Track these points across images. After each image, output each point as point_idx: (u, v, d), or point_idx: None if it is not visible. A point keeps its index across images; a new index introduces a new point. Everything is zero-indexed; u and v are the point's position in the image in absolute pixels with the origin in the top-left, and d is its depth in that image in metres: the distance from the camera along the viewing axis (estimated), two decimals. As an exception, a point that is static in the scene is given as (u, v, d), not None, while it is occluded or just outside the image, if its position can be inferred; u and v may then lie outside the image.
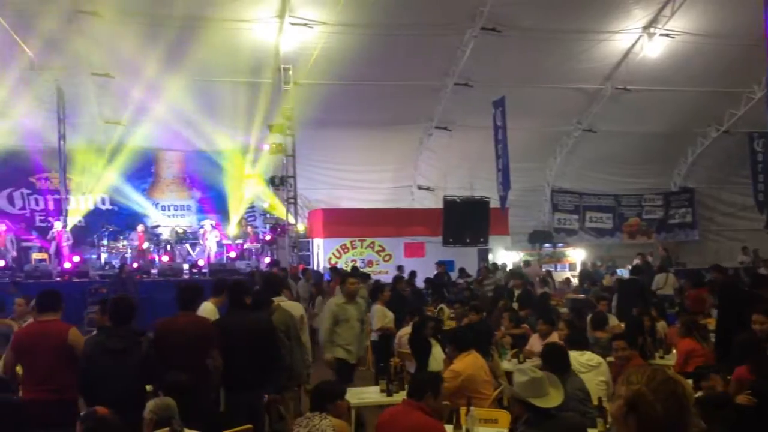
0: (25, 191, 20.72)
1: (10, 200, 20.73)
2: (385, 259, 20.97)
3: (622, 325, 9.83)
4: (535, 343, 8.63)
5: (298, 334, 6.62)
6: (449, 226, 19.89)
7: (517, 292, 13.37)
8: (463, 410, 5.48)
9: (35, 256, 18.86)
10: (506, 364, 8.29)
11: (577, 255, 22.97)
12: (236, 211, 21.89)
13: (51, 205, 20.69)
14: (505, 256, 22.28)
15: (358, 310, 8.15)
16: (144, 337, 5.38)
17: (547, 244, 23.35)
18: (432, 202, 22.65)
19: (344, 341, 7.82)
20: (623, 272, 19.65)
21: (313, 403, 4.72)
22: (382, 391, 6.76)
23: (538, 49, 18.56)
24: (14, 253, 18.76)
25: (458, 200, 20.28)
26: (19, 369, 5.72)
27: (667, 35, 19.03)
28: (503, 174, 19.66)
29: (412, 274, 16.66)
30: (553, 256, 22.99)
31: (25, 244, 19.54)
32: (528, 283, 15.75)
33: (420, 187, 23.40)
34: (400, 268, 18.16)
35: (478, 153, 21.23)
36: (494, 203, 20.40)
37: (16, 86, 17.66)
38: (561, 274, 21.22)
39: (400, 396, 5.98)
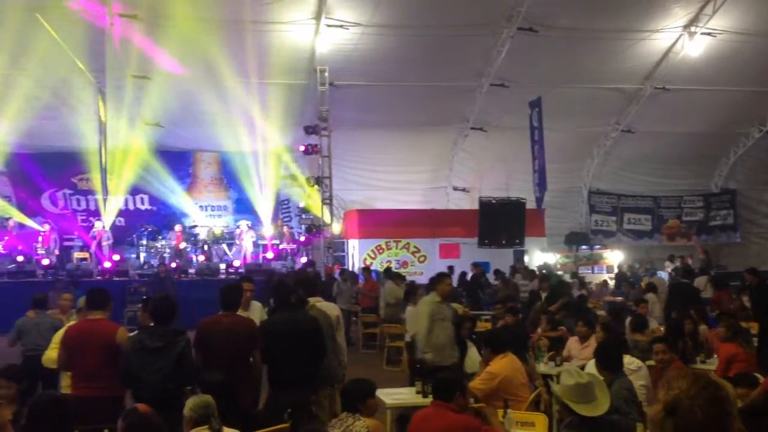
0: (67, 191, 21.15)
1: (53, 200, 21.19)
2: (420, 260, 20.92)
3: (662, 328, 9.66)
4: (573, 347, 8.53)
5: (333, 334, 6.62)
6: (485, 228, 19.76)
7: (544, 295, 13.22)
8: (500, 412, 5.44)
9: (76, 255, 19.24)
10: (542, 367, 8.21)
11: (614, 257, 22.65)
12: (272, 211, 22.06)
13: (92, 205, 21.08)
14: (541, 257, 22.07)
15: (451, 311, 8.07)
16: (181, 336, 5.43)
17: (583, 246, 23.06)
18: (467, 203, 22.56)
19: (438, 342, 7.65)
20: (663, 275, 19.34)
21: (344, 404, 4.73)
22: (417, 392, 6.74)
23: (576, 48, 18.37)
24: (57, 252, 19.15)
25: (494, 201, 20.16)
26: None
27: (708, 34, 18.69)
28: (540, 175, 19.49)
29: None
30: (590, 258, 22.70)
31: (66, 243, 19.94)
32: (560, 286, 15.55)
33: (455, 188, 23.31)
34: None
35: (514, 154, 21.08)
36: (530, 204, 20.23)
37: (59, 88, 18.06)
38: (598, 277, 20.94)
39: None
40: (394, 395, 6.84)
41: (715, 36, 18.71)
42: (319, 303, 6.79)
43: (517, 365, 6.59)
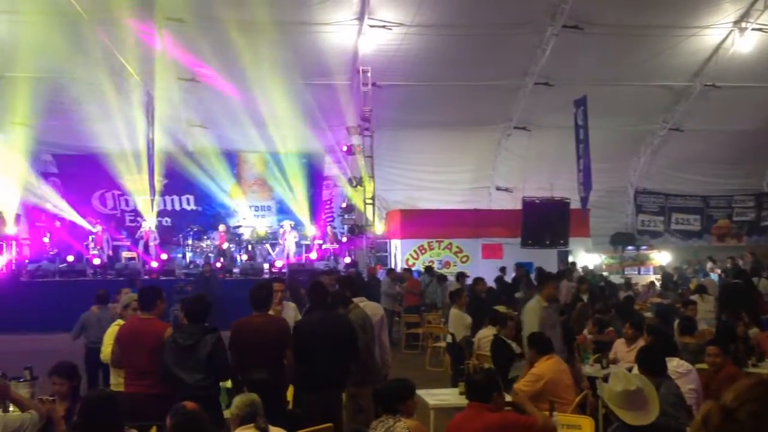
0: (116, 192, 21.60)
1: (102, 201, 21.70)
2: (462, 261, 20.81)
3: (713, 330, 9.43)
4: (620, 349, 8.38)
5: (374, 334, 6.60)
6: (528, 228, 19.57)
7: (584, 297, 13.01)
8: (545, 415, 5.37)
9: (125, 254, 19.63)
10: (588, 369, 8.09)
11: (662, 258, 22.22)
12: (316, 211, 22.21)
13: (140, 206, 21.51)
14: (586, 258, 21.77)
15: (557, 314, 7.94)
16: (211, 334, 5.49)
17: (629, 247, 22.70)
18: (510, 203, 22.37)
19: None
20: (713, 276, 18.90)
21: (383, 405, 4.70)
22: (461, 393, 6.70)
23: (622, 45, 18.09)
24: (110, 253, 19.57)
25: (537, 201, 19.95)
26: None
27: (759, 29, 18.23)
28: (585, 174, 19.23)
29: (502, 271, 16.31)
30: (636, 259, 22.33)
31: (115, 243, 20.37)
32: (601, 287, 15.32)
33: (498, 188, 23.15)
34: (503, 269, 17.52)
35: (558, 153, 20.86)
36: (575, 204, 19.97)
37: (108, 91, 18.46)
38: (645, 278, 20.57)
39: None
40: (438, 396, 6.82)
41: (766, 32, 18.22)
42: (362, 303, 6.80)
43: (562, 367, 6.50)
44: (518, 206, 20.42)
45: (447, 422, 6.83)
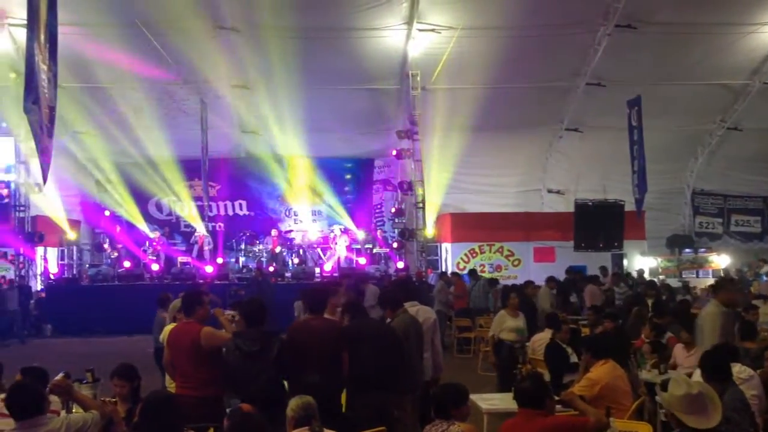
0: (172, 198, 22.09)
1: (158, 207, 22.23)
2: (514, 264, 20.64)
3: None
4: (679, 354, 8.18)
5: (422, 339, 6.54)
6: (581, 231, 19.35)
7: (650, 302, 12.72)
8: (597, 411, 5.27)
9: (180, 259, 20.06)
10: (645, 374, 7.92)
11: (721, 261, 21.63)
12: (366, 216, 22.33)
13: (194, 211, 21.95)
14: (641, 261, 21.34)
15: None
16: (275, 339, 5.54)
17: (687, 249, 22.17)
18: (562, 205, 22.10)
19: None
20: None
21: (435, 409, 4.68)
22: (514, 398, 6.63)
23: (677, 44, 17.67)
24: (165, 258, 20.03)
25: (590, 203, 19.72)
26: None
27: (821, 25, 17.58)
28: (639, 176, 18.87)
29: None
30: (694, 262, 21.82)
31: (171, 248, 20.83)
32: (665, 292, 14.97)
33: (550, 191, 22.88)
34: (569, 271, 17.30)
35: (612, 155, 20.52)
36: (629, 206, 19.60)
37: (163, 99, 18.92)
38: (703, 281, 20.04)
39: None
40: (490, 400, 6.77)
41: (828, 27, 17.58)
42: (414, 307, 6.78)
43: (618, 372, 6.38)
44: (570, 209, 20.22)
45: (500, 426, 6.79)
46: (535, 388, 4.72)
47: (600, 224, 19.25)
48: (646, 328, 9.62)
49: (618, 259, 20.57)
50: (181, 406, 5.11)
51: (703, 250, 22.38)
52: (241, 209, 22.74)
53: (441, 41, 17.46)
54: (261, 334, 5.52)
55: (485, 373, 11.55)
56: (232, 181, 22.14)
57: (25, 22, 12.73)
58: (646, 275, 19.51)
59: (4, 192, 18.69)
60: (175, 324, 7.06)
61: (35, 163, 18.27)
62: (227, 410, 4.95)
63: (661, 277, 20.52)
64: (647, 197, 19.36)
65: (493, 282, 15.90)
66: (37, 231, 18.98)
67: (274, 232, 20.75)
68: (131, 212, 21.82)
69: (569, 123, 20.75)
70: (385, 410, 5.69)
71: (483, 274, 17.83)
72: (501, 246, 20.89)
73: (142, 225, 21.45)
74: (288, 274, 19.06)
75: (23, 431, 4.17)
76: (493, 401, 6.75)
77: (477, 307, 14.90)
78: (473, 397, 6.04)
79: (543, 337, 8.71)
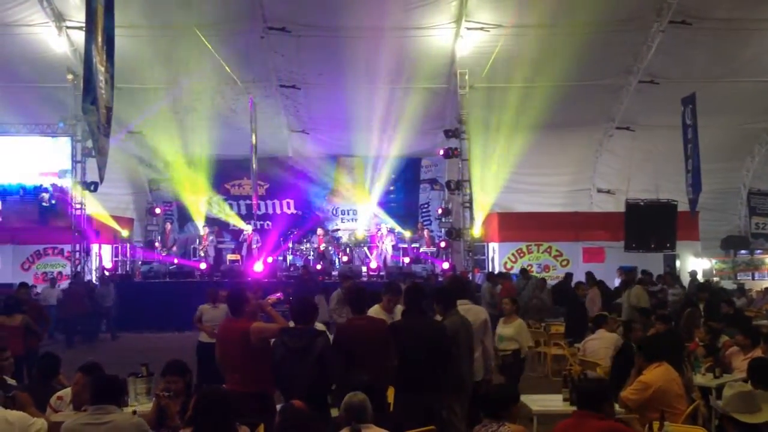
0: (222, 197, 22.44)
1: (208, 206, 22.57)
2: (562, 264, 20.36)
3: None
4: (735, 358, 7.97)
5: (470, 339, 6.47)
6: (632, 231, 19.04)
7: (701, 305, 12.40)
8: (655, 425, 5.18)
9: (229, 257, 20.36)
10: (699, 378, 7.74)
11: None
12: (412, 215, 22.32)
13: (243, 210, 22.25)
14: (695, 263, 20.85)
15: None
16: (321, 337, 5.57)
17: (742, 251, 21.57)
18: (612, 205, 21.73)
19: None
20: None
21: (486, 410, 4.64)
22: (565, 399, 6.56)
23: (733, 40, 17.21)
24: (213, 255, 20.36)
25: (642, 203, 19.38)
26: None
27: None
28: (693, 175, 18.46)
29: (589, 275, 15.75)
30: (750, 264, 21.23)
31: (220, 246, 21.16)
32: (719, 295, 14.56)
33: (599, 190, 22.52)
34: (627, 271, 17.00)
35: (664, 154, 20.13)
36: (682, 207, 19.18)
37: (214, 99, 19.22)
38: (759, 284, 19.50)
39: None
40: (540, 401, 6.70)
41: None
42: (466, 306, 6.74)
43: (672, 375, 6.24)
44: (620, 209, 19.91)
45: (550, 428, 6.72)
46: (597, 389, 4.67)
47: (652, 224, 18.92)
48: (700, 330, 9.41)
49: (670, 261, 20.14)
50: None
51: (759, 251, 21.75)
52: (288, 208, 22.98)
53: (489, 39, 17.35)
54: (307, 331, 5.57)
55: (533, 374, 11.45)
56: (280, 180, 22.38)
57: (83, 25, 13.16)
58: (700, 277, 19.06)
59: (45, 196, 19.13)
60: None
61: (90, 162, 18.83)
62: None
63: (715, 279, 20.03)
64: (701, 197, 18.94)
65: (542, 282, 15.72)
66: (93, 228, 19.48)
67: (320, 231, 20.91)
68: (181, 210, 22.26)
69: (621, 121, 20.39)
70: (433, 410, 5.67)
71: (532, 275, 17.62)
72: (549, 246, 20.65)
73: (192, 223, 21.84)
74: (334, 273, 19.18)
75: (93, 415, 4.35)
76: (542, 402, 6.68)
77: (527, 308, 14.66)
78: (522, 398, 5.99)
79: (593, 338, 8.60)
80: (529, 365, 12.08)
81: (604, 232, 20.35)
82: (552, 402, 6.74)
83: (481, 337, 6.60)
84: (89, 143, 18.43)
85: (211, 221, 22.08)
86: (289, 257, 20.58)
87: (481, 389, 6.24)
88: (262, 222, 22.27)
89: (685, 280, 17.84)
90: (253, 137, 19.61)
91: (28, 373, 6.86)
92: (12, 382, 6.38)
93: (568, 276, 16.43)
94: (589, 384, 4.80)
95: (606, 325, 8.86)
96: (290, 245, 20.69)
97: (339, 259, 20.38)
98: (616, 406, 5.77)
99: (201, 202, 22.22)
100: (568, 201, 22.47)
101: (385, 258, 20.31)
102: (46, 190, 19.25)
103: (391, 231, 21.05)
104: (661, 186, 20.42)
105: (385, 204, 22.34)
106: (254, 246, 20.48)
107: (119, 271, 20.47)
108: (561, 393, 6.72)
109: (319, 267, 19.07)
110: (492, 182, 21.73)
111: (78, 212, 19.03)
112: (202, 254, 20.19)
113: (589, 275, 14.89)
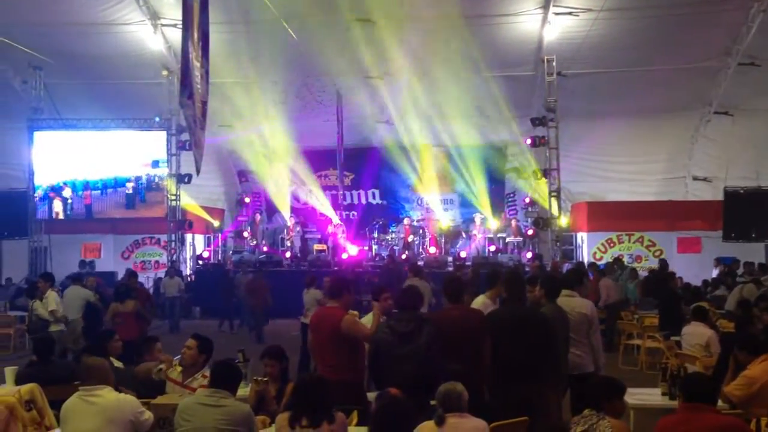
0: (308, 187, 22.82)
1: (295, 195, 23.03)
2: (655, 255, 19.69)
3: None
4: None
5: (566, 331, 6.35)
6: (731, 220, 18.31)
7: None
8: (763, 421, 4.96)
9: (316, 247, 20.69)
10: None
11: None
12: (499, 204, 22.08)
13: (329, 200, 22.57)
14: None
15: None
16: (429, 325, 5.58)
17: None
18: (709, 193, 20.84)
19: None
20: None
21: (588, 400, 4.56)
22: (663, 393, 6.36)
23: None
24: (301, 245, 20.75)
25: (742, 191, 18.57)
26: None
27: None
28: (799, 162, 17.50)
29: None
30: None
31: (307, 236, 21.54)
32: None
33: (695, 178, 21.61)
34: (727, 264, 16.37)
35: (766, 139, 19.13)
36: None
37: (301, 91, 19.54)
38: None
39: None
40: (636, 395, 6.51)
41: None
42: (569, 297, 6.62)
43: (780, 370, 5.95)
44: (718, 197, 19.16)
45: (647, 423, 6.52)
46: (709, 381, 4.51)
47: (753, 213, 18.15)
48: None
49: (773, 251, 19.20)
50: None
51: None
52: (374, 198, 23.17)
53: (578, 24, 16.92)
54: (414, 316, 5.60)
55: (626, 368, 11.16)
56: (366, 170, 22.56)
57: (177, 22, 13.62)
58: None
59: (130, 186, 19.76)
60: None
61: (184, 156, 19.50)
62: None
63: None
64: (808, 185, 17.93)
65: (634, 273, 15.29)
66: (187, 219, 20.19)
67: (407, 221, 20.97)
68: (269, 201, 22.77)
69: (719, 106, 19.49)
70: (528, 401, 5.60)
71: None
72: (641, 236, 20.04)
73: (279, 214, 22.31)
74: (420, 263, 19.17)
75: (211, 397, 4.53)
76: (639, 396, 6.49)
77: (618, 299, 14.26)
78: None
79: (690, 330, 8.31)
80: (620, 358, 11.80)
81: (700, 222, 19.60)
82: (650, 396, 6.54)
83: (586, 330, 6.48)
84: (183, 136, 19.18)
85: (297, 211, 22.50)
86: (375, 247, 20.73)
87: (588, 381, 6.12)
88: (347, 212, 22.51)
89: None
90: (339, 128, 19.82)
91: (137, 355, 7.23)
92: (118, 364, 6.69)
93: (663, 262, 15.96)
94: (701, 376, 4.61)
95: (706, 319, 8.53)
96: (375, 235, 20.85)
97: (425, 249, 20.38)
98: (719, 402, 5.56)
99: (288, 193, 22.66)
100: (662, 189, 21.69)
101: (476, 248, 20.18)
102: (137, 179, 19.88)
103: (483, 220, 20.94)
104: (762, 173, 19.44)
105: (472, 193, 22.14)
106: (340, 236, 20.74)
107: (212, 260, 21.15)
108: (659, 387, 6.53)
109: (404, 257, 19.13)
110: (580, 170, 21.26)
111: (173, 203, 19.76)
112: (289, 244, 20.59)
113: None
